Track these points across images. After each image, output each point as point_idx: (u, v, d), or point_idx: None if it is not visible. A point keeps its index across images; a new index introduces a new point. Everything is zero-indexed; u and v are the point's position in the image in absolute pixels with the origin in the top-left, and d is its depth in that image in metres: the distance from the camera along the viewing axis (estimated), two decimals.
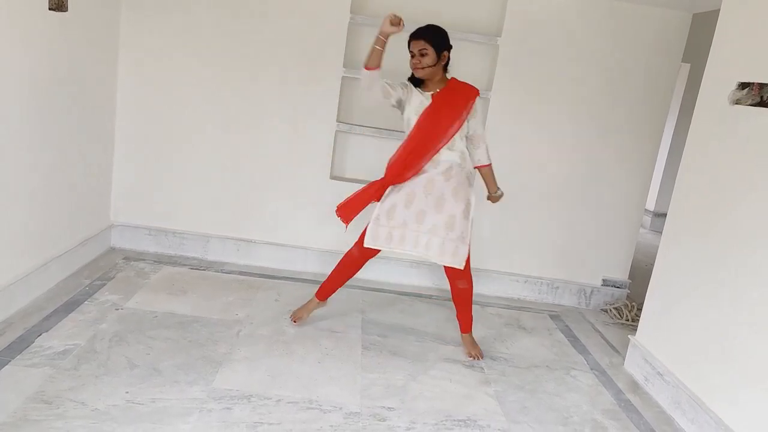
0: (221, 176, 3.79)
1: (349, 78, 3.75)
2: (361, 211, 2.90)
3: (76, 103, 3.15)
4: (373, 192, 2.87)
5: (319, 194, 3.83)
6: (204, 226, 3.86)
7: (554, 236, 3.97)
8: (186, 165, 3.76)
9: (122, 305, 3.01)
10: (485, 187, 3.00)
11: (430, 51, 2.73)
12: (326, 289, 3.08)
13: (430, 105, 2.78)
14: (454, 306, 3.05)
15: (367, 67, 2.66)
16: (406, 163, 2.80)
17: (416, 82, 2.86)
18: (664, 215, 3.17)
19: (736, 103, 2.57)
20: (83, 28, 3.12)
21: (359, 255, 2.96)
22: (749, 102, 2.49)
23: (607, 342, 3.50)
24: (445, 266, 2.86)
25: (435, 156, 2.79)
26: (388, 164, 2.87)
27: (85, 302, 2.98)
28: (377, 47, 2.63)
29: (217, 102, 3.69)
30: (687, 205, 2.87)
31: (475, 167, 2.91)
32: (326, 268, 3.89)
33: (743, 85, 2.53)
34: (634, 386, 2.96)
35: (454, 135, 2.79)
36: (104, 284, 3.23)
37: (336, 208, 2.93)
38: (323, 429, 2.24)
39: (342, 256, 3.05)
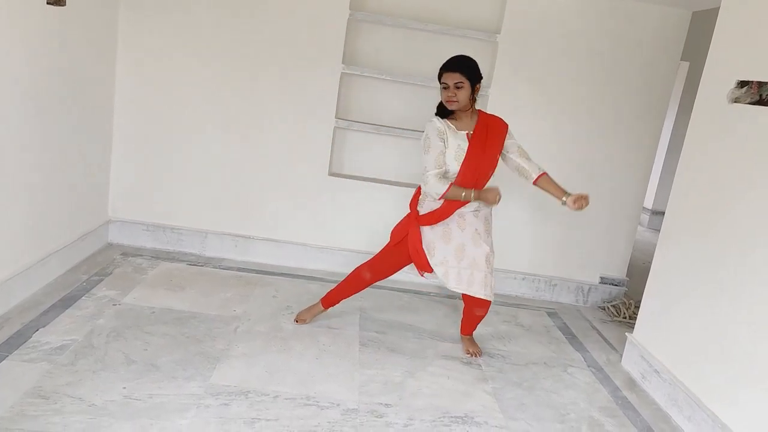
0: (219, 172, 3.78)
1: (348, 74, 3.74)
2: (423, 249, 2.80)
3: (74, 99, 3.14)
4: (416, 235, 2.81)
5: (318, 191, 3.83)
6: (202, 222, 3.85)
7: (552, 234, 3.97)
8: (184, 161, 3.76)
9: (120, 301, 3.01)
10: (555, 197, 2.81)
11: (466, 84, 2.66)
12: (332, 300, 3.07)
13: (470, 149, 2.70)
14: (463, 317, 3.07)
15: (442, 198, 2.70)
16: (453, 207, 2.74)
17: (444, 112, 2.76)
18: (663, 213, 3.18)
19: (735, 102, 2.57)
20: (82, 26, 3.11)
21: (371, 278, 2.98)
22: (748, 100, 2.49)
23: (605, 339, 3.50)
24: (469, 295, 2.84)
25: None
26: (420, 204, 2.83)
27: (83, 298, 2.98)
28: (463, 198, 2.67)
29: (215, 99, 3.68)
30: (685, 203, 2.87)
31: (534, 182, 2.81)
32: (324, 264, 3.90)
33: (742, 84, 2.53)
34: (631, 384, 2.97)
35: (492, 173, 2.79)
36: (102, 280, 3.23)
37: (420, 273, 2.87)
38: (321, 425, 2.24)
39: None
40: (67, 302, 2.90)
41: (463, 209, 2.77)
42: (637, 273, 4.51)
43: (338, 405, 2.39)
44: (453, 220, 2.78)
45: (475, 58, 2.81)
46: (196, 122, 3.70)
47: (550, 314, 3.78)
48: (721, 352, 2.48)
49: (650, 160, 3.93)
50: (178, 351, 2.61)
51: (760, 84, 2.42)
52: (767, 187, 2.34)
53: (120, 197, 3.78)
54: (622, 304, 3.96)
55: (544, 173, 2.82)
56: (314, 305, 3.11)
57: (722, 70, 2.70)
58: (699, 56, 3.68)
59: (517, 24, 3.66)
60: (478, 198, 2.67)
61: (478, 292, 2.79)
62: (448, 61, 2.72)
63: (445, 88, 2.69)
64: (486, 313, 2.97)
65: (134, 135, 3.70)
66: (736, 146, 2.56)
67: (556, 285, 4.03)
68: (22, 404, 2.09)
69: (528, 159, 2.83)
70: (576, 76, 3.74)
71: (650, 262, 3.10)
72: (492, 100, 3.73)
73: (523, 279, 4.01)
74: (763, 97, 2.40)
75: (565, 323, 3.67)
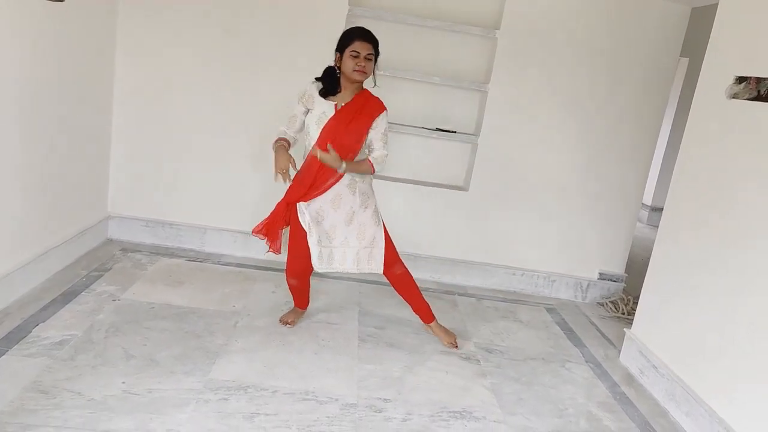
0: (219, 168, 3.78)
1: None
2: (280, 232, 2.77)
3: (73, 95, 3.14)
4: (282, 214, 2.75)
5: None
6: (201, 218, 3.85)
7: (551, 230, 3.97)
8: (184, 157, 3.75)
9: (119, 296, 3.01)
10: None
11: (373, 58, 2.61)
12: (300, 303, 3.06)
13: (333, 118, 2.62)
14: (407, 301, 2.98)
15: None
16: (313, 184, 2.66)
17: (329, 86, 2.66)
18: (661, 209, 3.18)
19: (734, 98, 2.57)
20: (80, 22, 3.10)
21: (297, 282, 2.93)
22: (746, 96, 2.49)
23: (603, 335, 3.51)
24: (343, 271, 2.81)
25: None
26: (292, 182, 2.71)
27: (83, 293, 2.98)
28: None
29: (214, 94, 3.67)
30: (684, 200, 2.88)
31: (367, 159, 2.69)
32: None
33: (740, 80, 2.54)
34: (629, 379, 2.98)
35: (354, 155, 2.67)
36: (101, 275, 3.23)
37: (253, 231, 2.79)
38: (320, 420, 2.25)
39: None
40: (66, 297, 2.91)
41: (337, 186, 2.67)
42: (636, 269, 4.52)
43: (337, 400, 2.39)
44: (327, 200, 2.69)
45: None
46: (195, 118, 3.70)
47: (548, 310, 3.79)
48: (719, 347, 2.48)
49: (649, 156, 3.93)
50: (177, 346, 2.61)
51: (759, 80, 2.43)
52: (766, 183, 2.34)
53: (119, 193, 3.78)
54: (621, 300, 3.97)
55: (370, 163, 2.68)
56: (293, 310, 3.08)
57: (721, 66, 2.70)
58: (698, 52, 3.67)
59: (516, 20, 3.65)
60: (275, 150, 2.60)
61: (351, 269, 2.76)
62: (360, 29, 2.60)
63: (354, 56, 2.55)
64: (407, 271, 2.90)
65: (133, 131, 3.70)
66: (734, 142, 2.56)
67: (555, 281, 4.04)
68: (21, 398, 2.09)
69: (372, 151, 2.72)
70: (575, 72, 3.74)
71: (649, 259, 3.10)
72: (491, 96, 3.73)
73: (522, 275, 4.01)
74: (762, 92, 2.40)
75: (563, 319, 3.67)
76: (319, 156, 2.54)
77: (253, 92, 3.68)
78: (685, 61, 6.52)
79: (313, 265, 2.76)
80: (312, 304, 3.23)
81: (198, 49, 3.61)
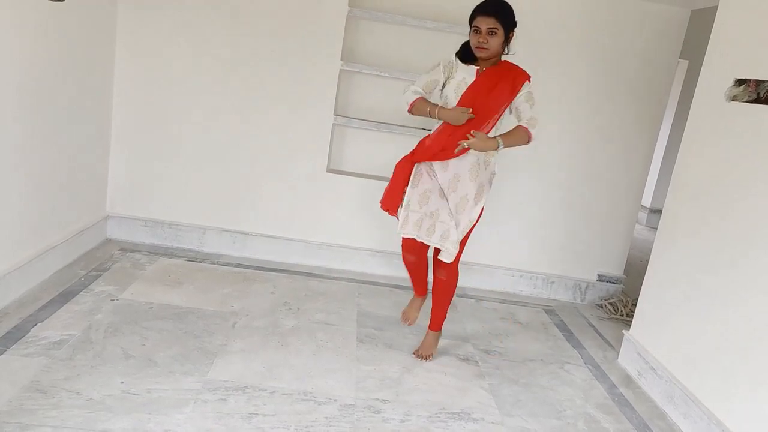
0: (218, 168, 3.78)
1: (347, 71, 3.74)
2: (402, 195, 2.68)
3: (72, 95, 3.14)
4: (405, 171, 2.65)
5: (317, 187, 3.83)
6: (200, 218, 3.85)
7: (550, 231, 3.98)
8: (182, 157, 3.75)
9: (118, 296, 3.01)
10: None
11: (500, 31, 2.46)
12: (416, 286, 2.97)
13: (473, 84, 2.53)
14: (432, 302, 2.89)
15: (410, 113, 2.60)
16: (443, 147, 2.56)
17: (466, 57, 2.58)
18: (660, 211, 3.18)
19: (733, 100, 2.58)
20: (81, 22, 3.10)
21: (415, 256, 2.79)
22: (746, 98, 2.50)
23: (602, 337, 3.51)
24: (435, 257, 2.71)
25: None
26: (421, 143, 2.67)
27: (81, 293, 2.98)
28: (427, 115, 2.54)
29: (214, 93, 3.67)
30: (683, 202, 2.88)
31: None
32: (323, 261, 3.91)
33: (740, 82, 2.54)
34: (628, 381, 2.98)
35: (494, 124, 2.54)
36: (100, 275, 3.23)
37: (380, 204, 2.75)
38: (318, 420, 2.25)
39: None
40: (65, 297, 2.91)
41: (459, 169, 2.57)
42: (635, 271, 4.52)
43: (335, 400, 2.39)
44: (446, 179, 2.59)
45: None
46: (195, 118, 3.70)
47: (547, 311, 3.79)
48: (717, 349, 2.49)
49: (648, 158, 3.94)
50: (176, 346, 2.61)
51: (758, 82, 2.43)
52: (765, 186, 2.34)
53: (118, 193, 3.78)
54: (620, 302, 3.97)
55: (522, 128, 2.52)
56: (413, 299, 3.01)
57: (720, 68, 2.70)
58: (698, 54, 3.68)
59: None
60: (440, 116, 2.51)
61: (434, 242, 2.62)
62: (482, 3, 2.48)
63: (476, 32, 2.47)
64: (451, 282, 2.76)
65: (132, 130, 3.70)
66: (733, 144, 2.56)
67: (553, 282, 4.04)
68: (20, 398, 2.09)
69: (521, 120, 2.55)
70: (574, 74, 3.74)
71: (648, 260, 3.11)
72: None
73: (521, 276, 4.01)
74: (761, 95, 2.41)
75: (562, 320, 3.68)
76: (468, 144, 2.40)
77: (252, 92, 3.68)
78: (684, 63, 6.52)
79: (407, 233, 2.64)
80: (311, 305, 3.24)
81: (197, 49, 3.61)
